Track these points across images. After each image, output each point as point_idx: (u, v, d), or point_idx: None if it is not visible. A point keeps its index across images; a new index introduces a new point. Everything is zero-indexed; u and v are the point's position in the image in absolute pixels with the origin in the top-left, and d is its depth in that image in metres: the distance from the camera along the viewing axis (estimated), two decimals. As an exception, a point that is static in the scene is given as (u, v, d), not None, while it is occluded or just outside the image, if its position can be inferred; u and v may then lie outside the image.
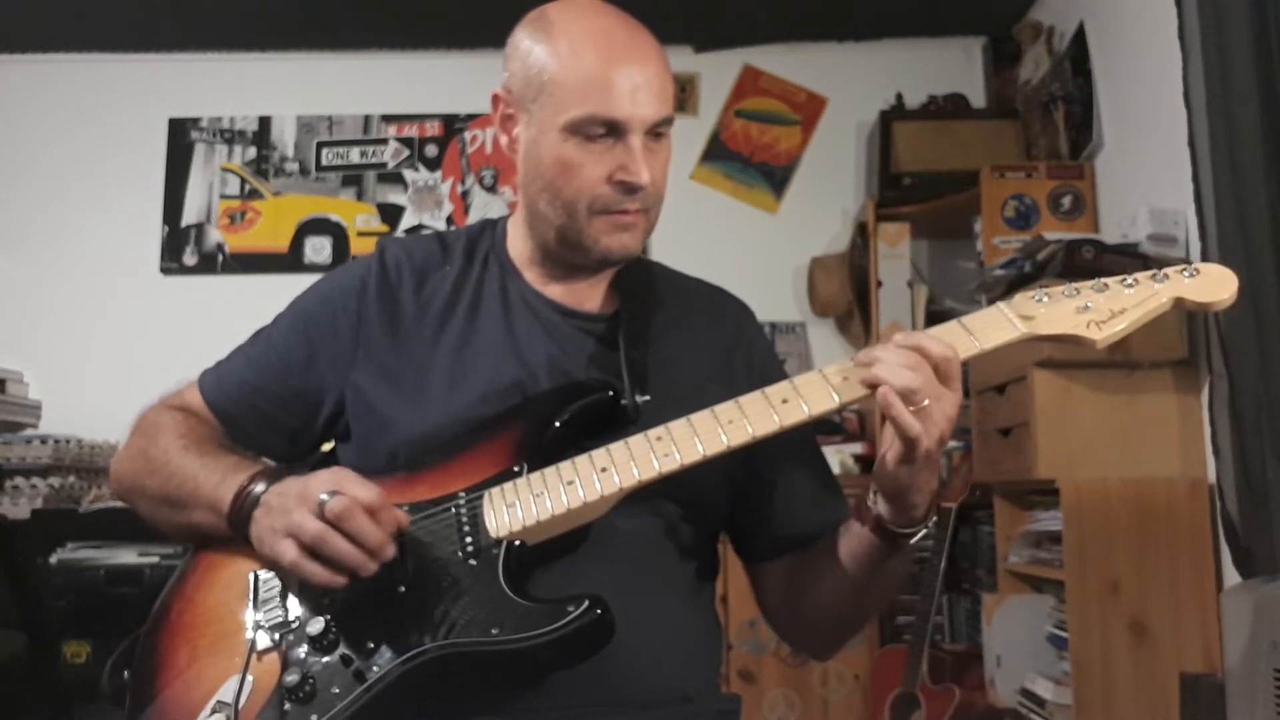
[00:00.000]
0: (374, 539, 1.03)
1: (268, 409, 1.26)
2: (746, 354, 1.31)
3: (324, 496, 1.03)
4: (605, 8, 1.23)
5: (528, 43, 1.21)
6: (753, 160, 4.06)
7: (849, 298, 3.70)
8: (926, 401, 1.03)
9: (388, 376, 1.23)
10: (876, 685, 3.15)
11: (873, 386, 1.05)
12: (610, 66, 1.16)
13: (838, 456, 3.46)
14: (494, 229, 1.34)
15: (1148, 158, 2.80)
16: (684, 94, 4.05)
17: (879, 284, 3.59)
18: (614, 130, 1.16)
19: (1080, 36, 3.20)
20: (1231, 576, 2.27)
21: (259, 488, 1.11)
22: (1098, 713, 2.36)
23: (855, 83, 4.01)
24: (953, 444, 3.35)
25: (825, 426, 3.55)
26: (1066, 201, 3.12)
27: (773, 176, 4.05)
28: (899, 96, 3.82)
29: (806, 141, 4.06)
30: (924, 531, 1.13)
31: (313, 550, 1.03)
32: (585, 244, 1.21)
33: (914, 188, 3.61)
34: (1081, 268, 2.45)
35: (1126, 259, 2.44)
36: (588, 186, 1.18)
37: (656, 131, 1.19)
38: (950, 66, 3.98)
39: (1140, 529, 2.41)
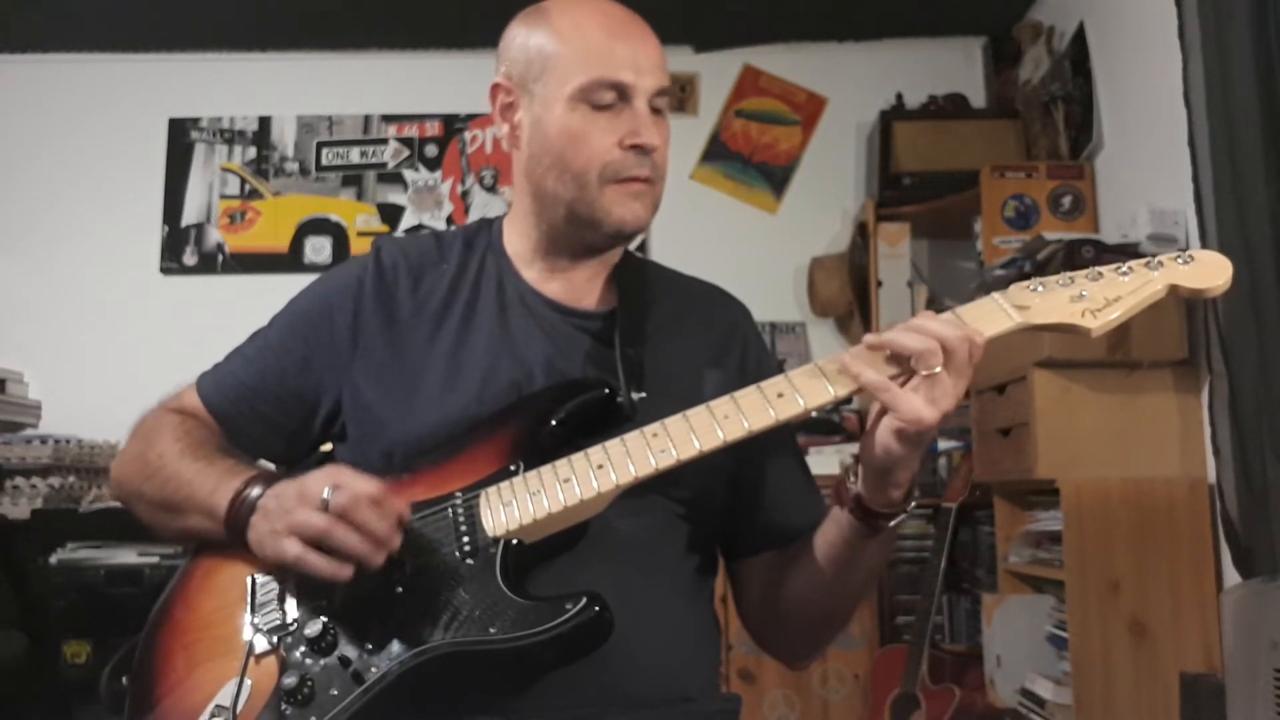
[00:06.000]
0: (381, 529, 1.03)
1: (266, 410, 1.26)
2: (742, 351, 1.31)
3: (327, 493, 1.03)
4: None
5: (524, 32, 1.24)
6: (753, 160, 4.06)
7: (849, 298, 3.70)
8: (938, 368, 1.02)
9: (384, 376, 1.23)
10: (876, 685, 3.15)
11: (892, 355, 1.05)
12: (612, 38, 1.19)
13: (838, 456, 3.46)
14: (490, 227, 1.34)
15: (1148, 158, 2.80)
16: (684, 94, 4.04)
17: (879, 284, 3.59)
18: (621, 94, 1.18)
19: (1080, 36, 3.20)
20: (1231, 576, 2.27)
21: (255, 491, 1.11)
22: (1098, 713, 2.36)
23: (855, 83, 4.00)
24: (953, 444, 3.35)
25: (825, 426, 3.55)
26: (1066, 201, 3.12)
27: (773, 176, 4.05)
28: (899, 96, 3.82)
29: (806, 141, 4.06)
30: (902, 517, 1.12)
31: (318, 545, 1.03)
32: (598, 216, 1.21)
33: (914, 188, 3.61)
34: (1081, 268, 2.44)
35: (1127, 260, 2.44)
36: (599, 153, 1.18)
37: (655, 106, 1.20)
38: (950, 66, 3.98)
39: (1140, 529, 2.41)
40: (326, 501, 1.03)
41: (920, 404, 1.02)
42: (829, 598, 1.22)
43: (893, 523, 1.12)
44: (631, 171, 1.19)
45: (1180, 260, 1.06)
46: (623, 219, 1.21)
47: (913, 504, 1.12)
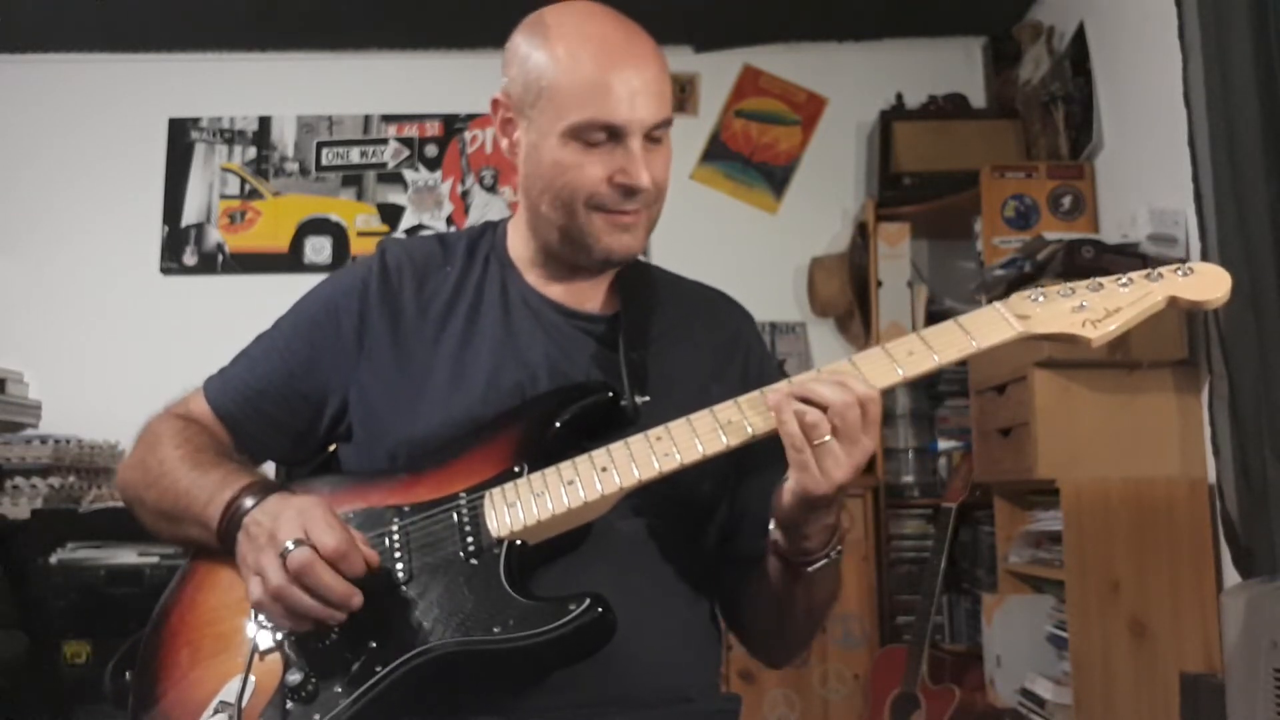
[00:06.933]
0: (336, 594, 1.02)
1: (272, 412, 1.26)
2: (745, 357, 1.32)
3: (289, 545, 1.02)
4: (602, 10, 1.23)
5: (525, 48, 1.21)
6: (753, 160, 4.06)
7: (849, 298, 3.70)
8: (827, 438, 1.01)
9: (389, 377, 1.23)
10: (876, 685, 3.15)
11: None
12: (608, 71, 1.16)
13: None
14: (495, 230, 1.34)
15: (1148, 158, 2.80)
16: (684, 94, 4.04)
17: (879, 284, 3.59)
18: (613, 134, 1.17)
19: (1080, 36, 3.20)
20: (1231, 576, 2.27)
21: (246, 503, 1.11)
22: (1098, 713, 2.36)
23: (855, 83, 4.00)
24: (953, 444, 3.35)
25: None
26: (1066, 201, 3.12)
27: (773, 176, 4.05)
28: (899, 96, 3.82)
29: (806, 141, 4.06)
30: (823, 563, 1.11)
31: (275, 599, 1.03)
32: (587, 243, 1.21)
33: (914, 188, 3.61)
34: (1081, 268, 2.45)
35: (1126, 259, 2.44)
36: (586, 185, 1.18)
37: (654, 135, 1.19)
38: (950, 66, 3.98)
39: (1140, 529, 2.41)
40: (286, 555, 1.02)
41: (811, 478, 1.02)
42: (774, 622, 1.23)
43: (811, 569, 1.11)
44: (619, 207, 1.19)
45: (1180, 272, 1.07)
46: (610, 248, 1.21)
47: (834, 552, 1.12)
